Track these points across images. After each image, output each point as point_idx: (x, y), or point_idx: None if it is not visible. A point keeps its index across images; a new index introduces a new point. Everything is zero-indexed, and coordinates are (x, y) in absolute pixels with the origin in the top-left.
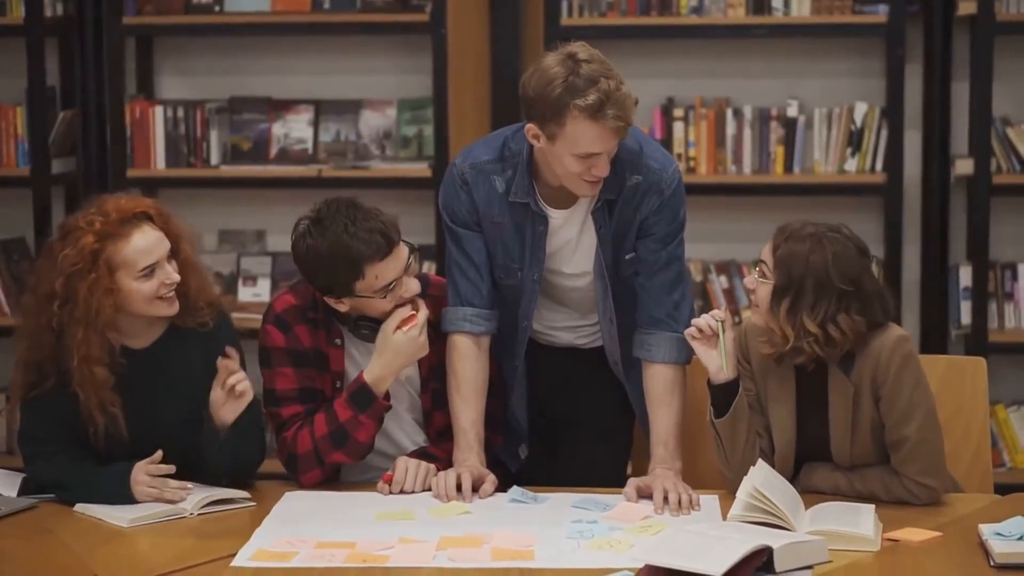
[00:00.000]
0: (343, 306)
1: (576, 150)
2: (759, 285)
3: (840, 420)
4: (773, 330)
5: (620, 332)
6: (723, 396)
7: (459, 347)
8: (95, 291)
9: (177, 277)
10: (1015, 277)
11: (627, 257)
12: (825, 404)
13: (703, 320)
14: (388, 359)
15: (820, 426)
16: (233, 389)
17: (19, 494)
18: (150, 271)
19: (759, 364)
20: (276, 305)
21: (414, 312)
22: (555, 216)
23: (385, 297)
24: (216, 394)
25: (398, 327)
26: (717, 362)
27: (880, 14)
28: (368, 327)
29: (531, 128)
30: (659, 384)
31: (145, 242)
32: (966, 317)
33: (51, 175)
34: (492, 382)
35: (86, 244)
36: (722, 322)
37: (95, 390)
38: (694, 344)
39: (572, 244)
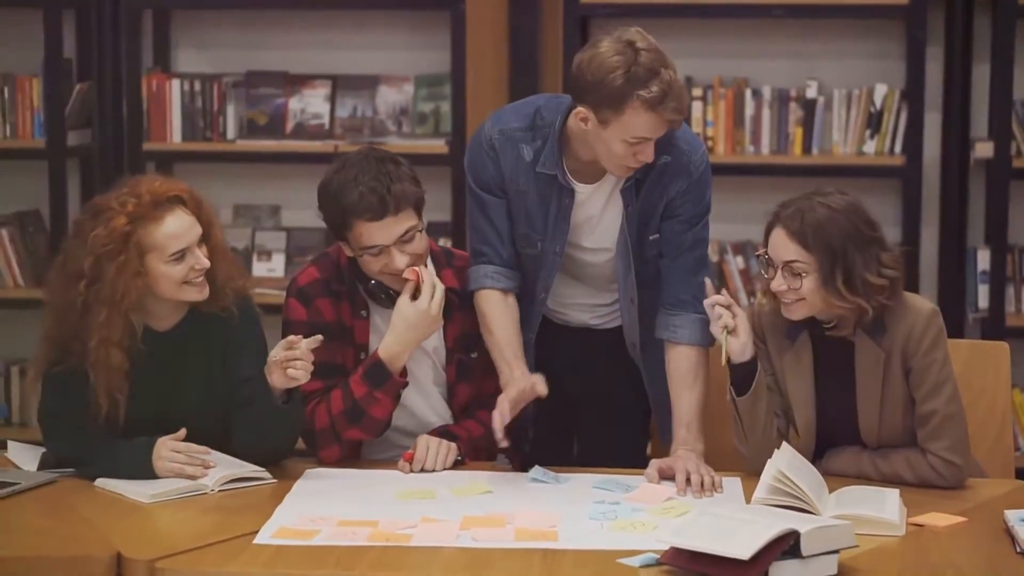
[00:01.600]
0: (345, 248)
1: (628, 136)
2: (798, 281)
3: (868, 390)
4: (843, 309)
5: (640, 312)
6: (743, 375)
7: (487, 297)
8: (123, 273)
9: (207, 263)
10: None
11: (651, 238)
12: (851, 376)
13: (715, 306)
14: (401, 333)
15: (845, 400)
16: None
17: (39, 468)
18: (180, 255)
19: (775, 343)
20: (300, 279)
21: (417, 279)
22: (581, 190)
23: (365, 258)
24: (275, 354)
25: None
26: (738, 343)
27: None
28: (382, 291)
29: (581, 112)
30: (683, 365)
31: (177, 226)
32: (983, 301)
33: (67, 147)
34: None
35: (118, 225)
36: (728, 307)
37: (107, 373)
38: (714, 330)
39: (595, 219)
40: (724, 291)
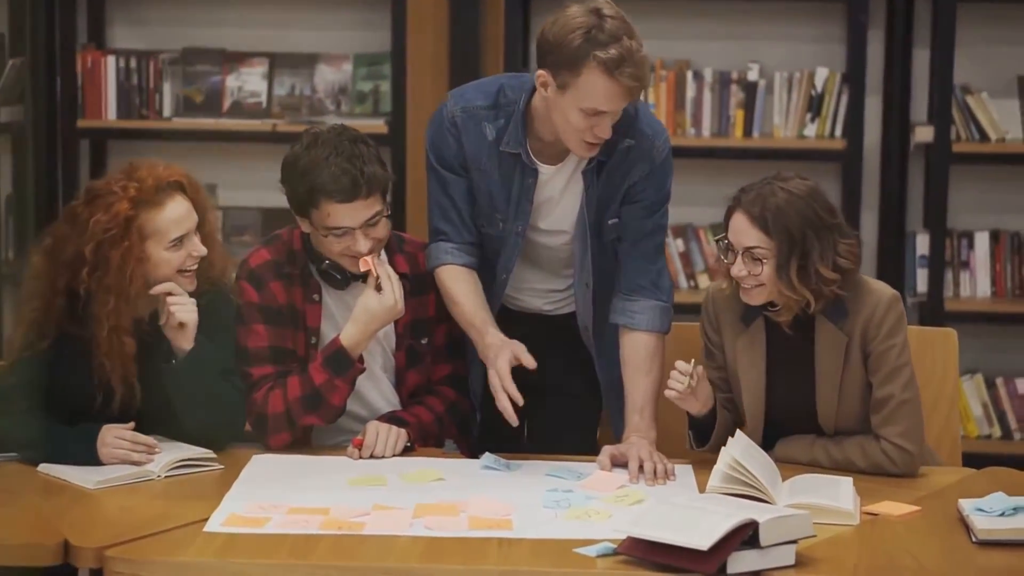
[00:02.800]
0: (305, 225)
1: (584, 104)
2: (758, 267)
3: (828, 374)
4: (790, 298)
5: (594, 297)
6: (702, 424)
7: (447, 272)
8: (128, 259)
9: (204, 250)
10: (971, 246)
11: (610, 222)
12: (808, 361)
13: (677, 384)
14: (363, 323)
15: (801, 385)
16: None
17: None
18: (179, 242)
19: (729, 327)
20: (251, 260)
21: (373, 271)
22: (543, 171)
23: (328, 239)
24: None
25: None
26: (695, 406)
27: None
28: (336, 272)
29: (542, 75)
30: (639, 351)
31: (178, 212)
32: (922, 285)
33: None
34: (456, 340)
35: (120, 210)
36: (690, 376)
37: (122, 361)
38: (670, 397)
39: (553, 201)
40: (694, 362)
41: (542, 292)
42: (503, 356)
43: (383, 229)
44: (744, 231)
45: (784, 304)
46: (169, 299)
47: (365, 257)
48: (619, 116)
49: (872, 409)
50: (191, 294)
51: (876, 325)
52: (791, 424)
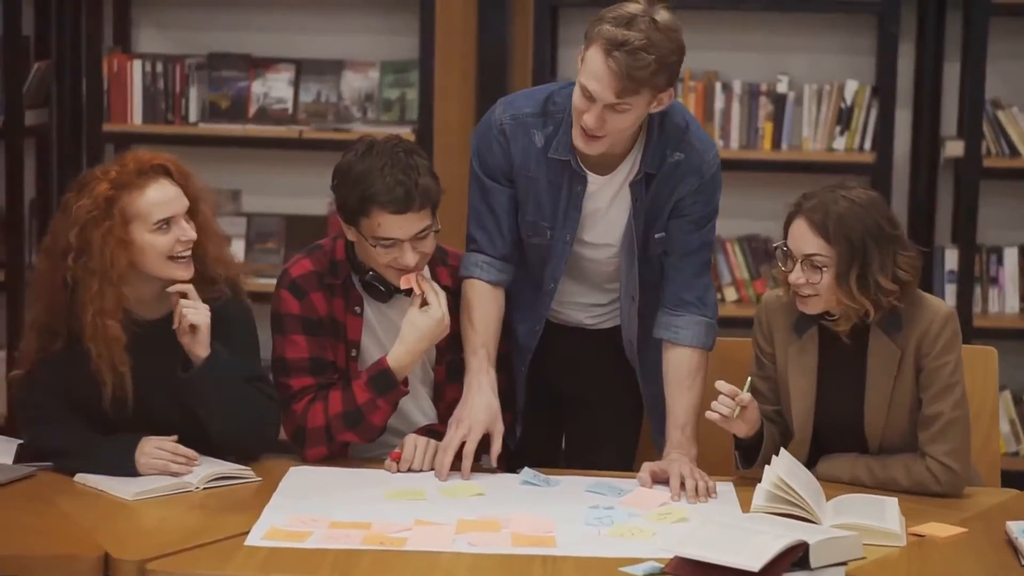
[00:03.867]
0: (351, 233)
1: (583, 78)
2: (817, 275)
3: (879, 387)
4: (849, 307)
5: (640, 311)
6: (748, 444)
7: (474, 286)
8: (109, 240)
9: (194, 235)
10: (1000, 261)
11: (657, 236)
12: (860, 373)
13: (722, 407)
14: (412, 343)
15: (850, 397)
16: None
17: (15, 461)
18: (165, 225)
19: (782, 336)
20: (292, 270)
21: (417, 289)
22: (591, 179)
23: (377, 249)
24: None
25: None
26: (743, 428)
27: None
28: (380, 283)
29: (580, 52)
30: (682, 367)
31: (161, 195)
32: (951, 300)
33: (24, 126)
34: (501, 355)
35: (100, 191)
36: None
37: (107, 345)
38: (713, 419)
39: (600, 213)
40: (748, 384)
41: (584, 306)
42: (476, 430)
43: (430, 244)
44: (804, 238)
45: (842, 313)
46: (182, 301)
47: (409, 275)
48: (607, 109)
49: (920, 426)
50: (213, 295)
51: (931, 340)
52: (837, 437)
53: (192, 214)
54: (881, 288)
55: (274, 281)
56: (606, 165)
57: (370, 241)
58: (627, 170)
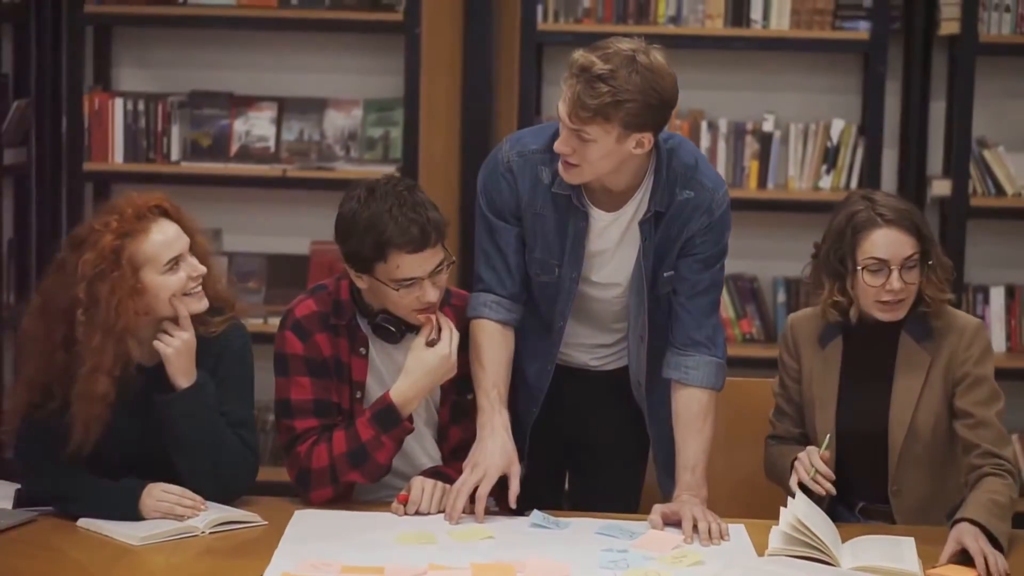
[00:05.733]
0: (362, 282)
1: (560, 108)
2: (912, 275)
3: (906, 392)
4: (935, 298)
5: (648, 351)
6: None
7: (483, 326)
8: (117, 291)
9: (203, 268)
10: (987, 300)
11: (666, 275)
12: (885, 379)
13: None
14: (417, 378)
15: (874, 404)
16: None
17: (14, 506)
18: (175, 264)
19: (808, 350)
20: (297, 311)
21: (436, 326)
22: (597, 216)
23: (399, 291)
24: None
25: (428, 344)
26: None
27: (861, 31)
28: (391, 324)
29: None
30: (693, 408)
31: (164, 235)
32: None
33: (3, 165)
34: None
35: (106, 244)
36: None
37: (89, 402)
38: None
39: (609, 253)
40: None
41: (590, 347)
42: (491, 474)
43: (445, 277)
44: (901, 243)
45: (933, 307)
46: (164, 324)
47: (430, 315)
48: (572, 135)
49: (975, 431)
50: (209, 329)
51: (966, 347)
52: (857, 448)
53: (191, 247)
54: (946, 268)
55: (256, 321)
56: (612, 203)
57: (391, 285)
58: (634, 208)
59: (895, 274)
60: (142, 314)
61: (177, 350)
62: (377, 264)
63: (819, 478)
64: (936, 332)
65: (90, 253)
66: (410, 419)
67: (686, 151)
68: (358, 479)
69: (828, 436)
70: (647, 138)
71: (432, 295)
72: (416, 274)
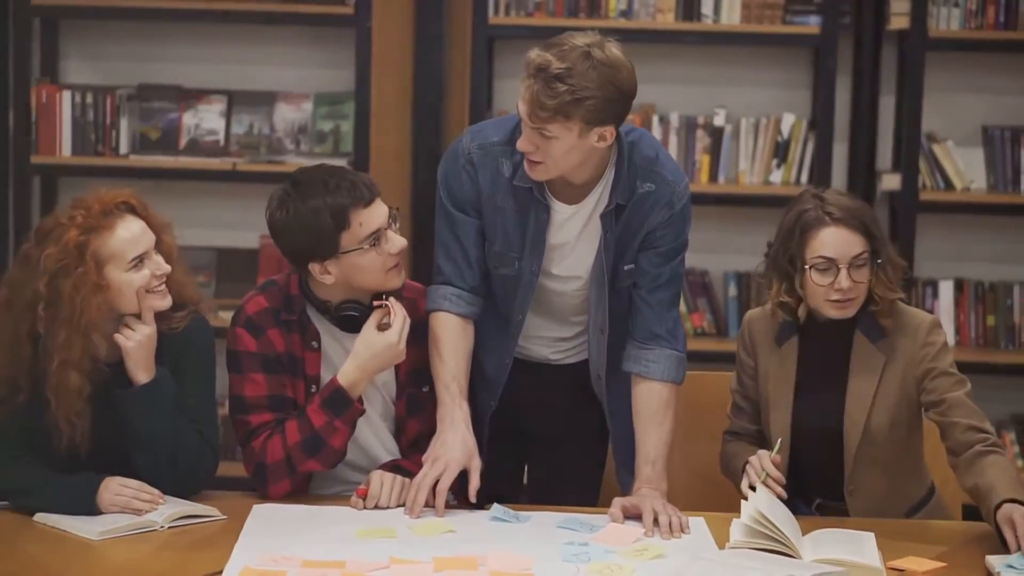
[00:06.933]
0: (329, 276)
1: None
2: (861, 273)
3: (861, 390)
4: (884, 297)
5: (608, 344)
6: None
7: (442, 319)
8: (81, 288)
9: (167, 267)
10: (936, 294)
11: (626, 268)
12: (841, 378)
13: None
14: (363, 360)
15: (829, 403)
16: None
17: None
18: (139, 261)
19: (764, 350)
20: (248, 308)
21: (386, 306)
22: (558, 209)
23: (373, 250)
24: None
25: (379, 329)
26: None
27: (811, 25)
28: (355, 311)
29: None
30: (653, 401)
31: (131, 232)
32: None
33: None
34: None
35: (70, 239)
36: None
37: (66, 397)
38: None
39: (569, 245)
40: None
41: (550, 340)
42: (452, 468)
43: (395, 220)
44: (850, 242)
45: (882, 307)
46: (126, 318)
47: (385, 302)
48: (534, 133)
49: (954, 415)
50: (171, 324)
51: (922, 345)
52: (813, 445)
53: (157, 245)
54: (898, 266)
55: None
56: (573, 195)
57: (363, 247)
58: (595, 200)
59: (843, 273)
60: (105, 310)
61: (138, 343)
62: (342, 235)
63: (770, 481)
64: (889, 331)
65: (53, 247)
66: (360, 400)
67: (647, 144)
68: (315, 467)
69: (779, 440)
70: (609, 131)
71: (398, 242)
72: (379, 223)
